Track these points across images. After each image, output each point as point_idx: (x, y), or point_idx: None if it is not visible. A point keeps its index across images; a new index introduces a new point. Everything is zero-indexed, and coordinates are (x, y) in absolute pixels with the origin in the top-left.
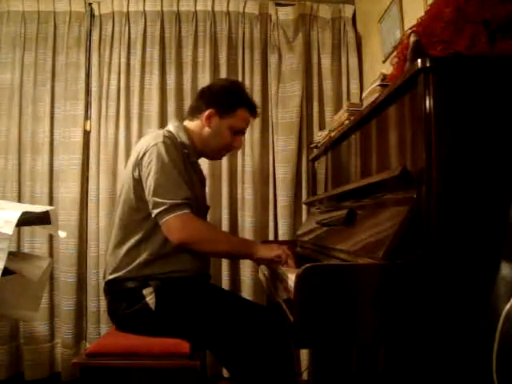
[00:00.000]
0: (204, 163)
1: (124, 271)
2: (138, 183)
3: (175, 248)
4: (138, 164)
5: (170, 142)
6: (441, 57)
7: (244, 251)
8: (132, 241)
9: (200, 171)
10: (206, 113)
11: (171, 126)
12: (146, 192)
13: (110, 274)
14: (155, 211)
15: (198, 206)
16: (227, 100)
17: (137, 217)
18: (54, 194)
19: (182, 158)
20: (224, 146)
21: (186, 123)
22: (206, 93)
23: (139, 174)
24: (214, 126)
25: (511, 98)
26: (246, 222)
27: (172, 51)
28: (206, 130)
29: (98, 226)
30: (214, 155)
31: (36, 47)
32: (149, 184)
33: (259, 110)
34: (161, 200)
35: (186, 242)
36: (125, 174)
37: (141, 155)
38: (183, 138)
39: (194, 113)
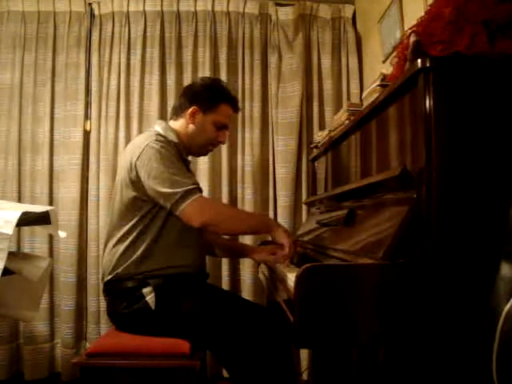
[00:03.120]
0: (204, 163)
1: (121, 269)
2: (134, 185)
3: (170, 244)
4: (135, 166)
5: (162, 139)
6: (441, 57)
7: (264, 229)
8: (128, 240)
9: (191, 169)
10: (190, 110)
11: (158, 127)
12: (153, 189)
13: (109, 274)
14: (169, 203)
15: None
16: (209, 96)
17: (133, 217)
18: (53, 194)
19: (176, 154)
20: (209, 141)
21: (171, 123)
22: (187, 91)
23: (137, 175)
24: (198, 122)
25: (511, 97)
26: None
27: (172, 51)
28: (191, 126)
29: (98, 226)
30: (201, 151)
31: (36, 47)
32: (153, 182)
33: (241, 105)
34: (172, 190)
35: (208, 224)
36: (118, 176)
37: (135, 157)
38: (172, 137)
39: (178, 112)
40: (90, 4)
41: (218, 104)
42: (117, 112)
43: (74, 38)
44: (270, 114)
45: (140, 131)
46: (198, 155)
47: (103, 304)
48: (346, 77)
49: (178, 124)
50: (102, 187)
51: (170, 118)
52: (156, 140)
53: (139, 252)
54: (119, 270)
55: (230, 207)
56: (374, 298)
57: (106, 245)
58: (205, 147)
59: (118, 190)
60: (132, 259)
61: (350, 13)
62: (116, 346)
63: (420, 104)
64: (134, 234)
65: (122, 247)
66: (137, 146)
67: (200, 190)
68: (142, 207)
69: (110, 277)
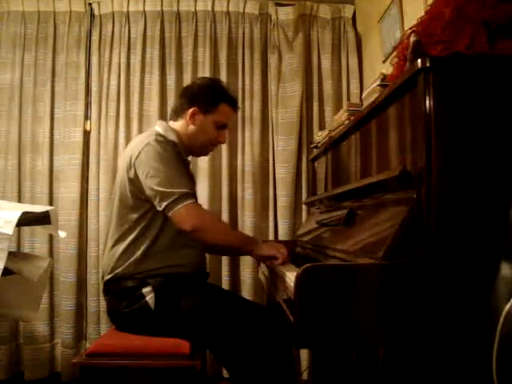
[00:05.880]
0: (204, 163)
1: (121, 268)
2: (133, 183)
3: (170, 243)
4: (134, 164)
5: (163, 139)
6: (441, 57)
7: (247, 246)
8: (128, 239)
9: (190, 170)
10: (190, 111)
11: (158, 127)
12: (149, 188)
13: (109, 273)
14: (164, 203)
15: None
16: (209, 97)
17: (133, 216)
18: (53, 194)
19: (176, 155)
20: (210, 141)
21: (171, 124)
22: (187, 92)
23: (135, 174)
24: (198, 123)
25: (511, 97)
26: (246, 222)
27: (172, 51)
28: (191, 127)
29: (98, 225)
30: (201, 151)
31: (36, 47)
32: (151, 180)
33: (241, 105)
34: (169, 190)
35: (199, 229)
36: (118, 175)
37: (135, 156)
38: (172, 137)
39: (178, 113)
40: (90, 4)
41: (217, 104)
42: (117, 112)
43: (73, 38)
44: (269, 113)
45: (140, 131)
46: (199, 155)
47: (103, 304)
48: (346, 77)
49: (178, 124)
50: (102, 187)
51: (170, 119)
52: (156, 140)
53: (139, 252)
54: (119, 269)
55: (221, 220)
56: (373, 298)
57: (105, 244)
58: (205, 147)
59: (118, 189)
60: (132, 259)
61: (349, 13)
62: (116, 346)
63: (420, 104)
64: (134, 233)
65: (121, 247)
66: (136, 145)
67: (194, 197)
68: (141, 207)
69: (109, 276)
